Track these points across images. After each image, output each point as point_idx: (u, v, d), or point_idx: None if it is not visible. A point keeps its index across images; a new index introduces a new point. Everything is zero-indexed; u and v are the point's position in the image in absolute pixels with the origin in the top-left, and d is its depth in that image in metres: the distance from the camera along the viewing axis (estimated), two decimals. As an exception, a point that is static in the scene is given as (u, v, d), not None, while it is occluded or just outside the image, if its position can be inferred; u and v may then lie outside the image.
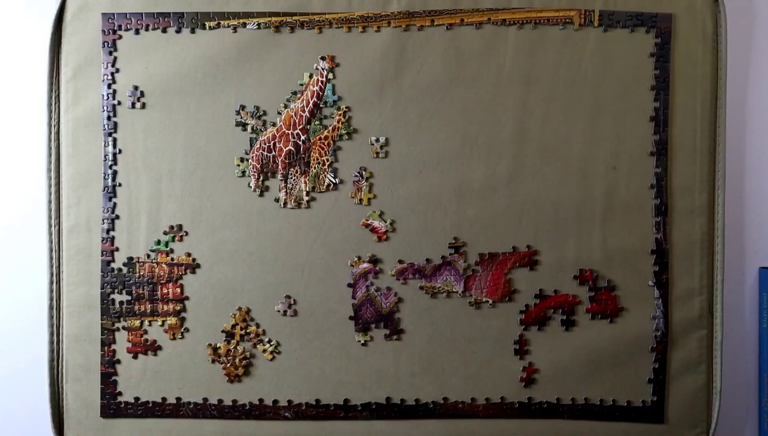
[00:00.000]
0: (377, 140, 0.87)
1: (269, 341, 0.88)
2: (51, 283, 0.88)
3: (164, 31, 0.87)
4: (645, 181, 0.87)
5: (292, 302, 0.88)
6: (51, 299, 0.88)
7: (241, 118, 0.87)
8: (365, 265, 0.88)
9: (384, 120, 0.87)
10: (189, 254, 0.88)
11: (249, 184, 0.88)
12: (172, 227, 0.88)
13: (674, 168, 0.87)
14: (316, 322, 0.88)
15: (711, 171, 0.87)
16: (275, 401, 0.89)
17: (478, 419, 0.89)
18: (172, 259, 0.88)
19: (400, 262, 0.88)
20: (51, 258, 0.88)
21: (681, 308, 0.88)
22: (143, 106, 0.88)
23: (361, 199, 0.87)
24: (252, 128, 0.88)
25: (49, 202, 0.88)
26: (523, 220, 0.88)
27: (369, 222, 0.87)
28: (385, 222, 0.87)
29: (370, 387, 0.88)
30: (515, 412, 0.89)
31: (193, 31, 0.87)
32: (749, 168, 0.93)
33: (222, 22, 0.87)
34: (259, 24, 0.87)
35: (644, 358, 0.88)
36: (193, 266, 0.88)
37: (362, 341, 0.88)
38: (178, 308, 0.88)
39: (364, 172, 0.88)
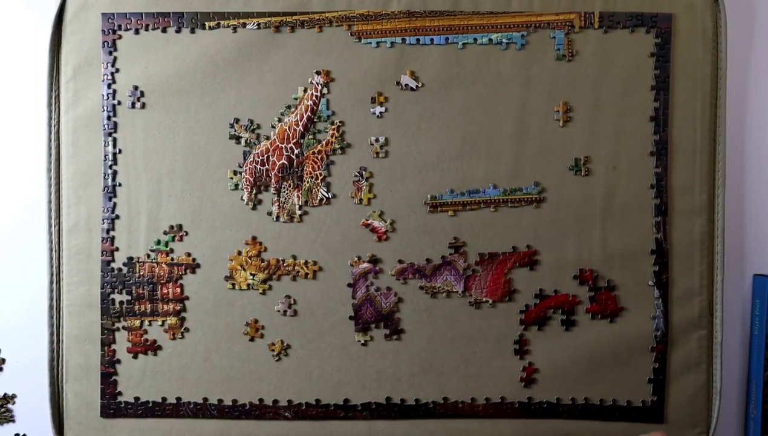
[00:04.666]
0: (377, 140, 0.87)
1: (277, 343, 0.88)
2: (51, 283, 0.88)
3: (164, 31, 0.87)
4: (645, 181, 0.87)
5: (292, 302, 0.88)
6: (51, 299, 0.88)
7: (235, 131, 0.87)
8: (365, 265, 0.88)
9: (384, 120, 0.87)
10: (189, 254, 0.88)
11: (242, 197, 0.87)
12: (172, 227, 0.88)
13: (674, 168, 0.87)
14: (316, 322, 0.88)
15: (711, 171, 0.87)
16: (275, 401, 0.89)
17: (478, 419, 0.89)
18: (172, 259, 0.88)
19: (400, 262, 0.88)
20: (51, 258, 0.88)
21: (681, 308, 0.88)
22: (143, 106, 0.88)
23: (361, 199, 0.87)
24: (246, 142, 0.87)
25: (49, 202, 0.88)
26: (523, 220, 0.88)
27: (369, 222, 0.87)
28: (385, 222, 0.87)
29: (370, 387, 0.88)
30: (515, 412, 0.89)
31: (193, 31, 0.87)
32: (749, 168, 0.93)
33: (222, 22, 0.87)
34: (259, 24, 0.87)
35: (644, 358, 0.88)
36: (193, 266, 0.88)
37: (362, 341, 0.88)
38: (178, 307, 0.88)
39: (364, 172, 0.88)
